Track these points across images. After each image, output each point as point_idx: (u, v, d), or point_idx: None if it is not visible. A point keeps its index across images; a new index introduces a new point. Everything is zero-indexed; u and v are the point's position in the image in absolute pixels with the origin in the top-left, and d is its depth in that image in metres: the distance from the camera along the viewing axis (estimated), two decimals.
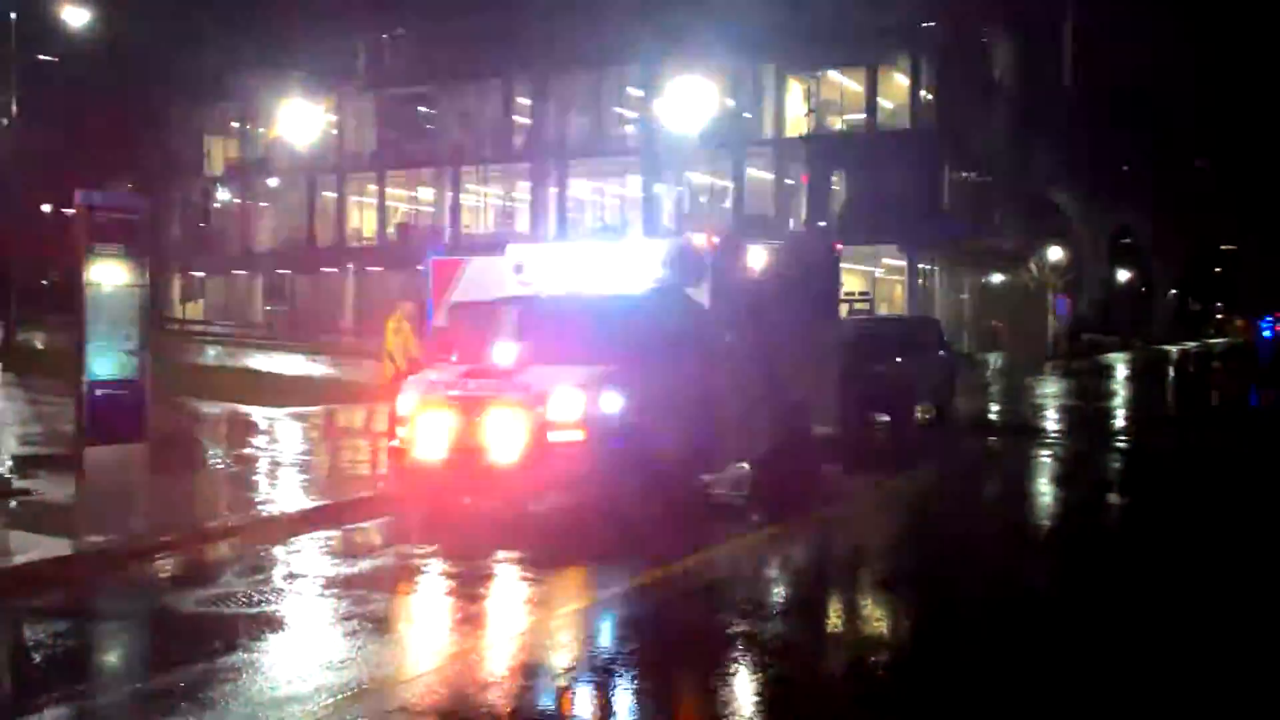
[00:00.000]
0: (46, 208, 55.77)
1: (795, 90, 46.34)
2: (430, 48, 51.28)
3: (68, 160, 48.26)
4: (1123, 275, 71.44)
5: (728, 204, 46.80)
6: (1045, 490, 14.62)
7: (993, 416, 23.74)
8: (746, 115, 45.93)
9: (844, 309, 23.34)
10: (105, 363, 11.15)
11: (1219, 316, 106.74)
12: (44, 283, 51.62)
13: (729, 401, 11.53)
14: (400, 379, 14.67)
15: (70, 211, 11.97)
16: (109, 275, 11.21)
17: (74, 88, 46.79)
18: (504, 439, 9.97)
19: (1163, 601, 8.14)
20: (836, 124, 46.00)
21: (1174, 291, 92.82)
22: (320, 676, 6.28)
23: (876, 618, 8.31)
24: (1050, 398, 28.60)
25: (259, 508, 11.01)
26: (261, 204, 58.82)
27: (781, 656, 6.95)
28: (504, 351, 11.08)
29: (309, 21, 49.58)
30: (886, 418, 18.68)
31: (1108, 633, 7.33)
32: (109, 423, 11.11)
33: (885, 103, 44.85)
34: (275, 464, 14.12)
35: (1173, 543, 10.29)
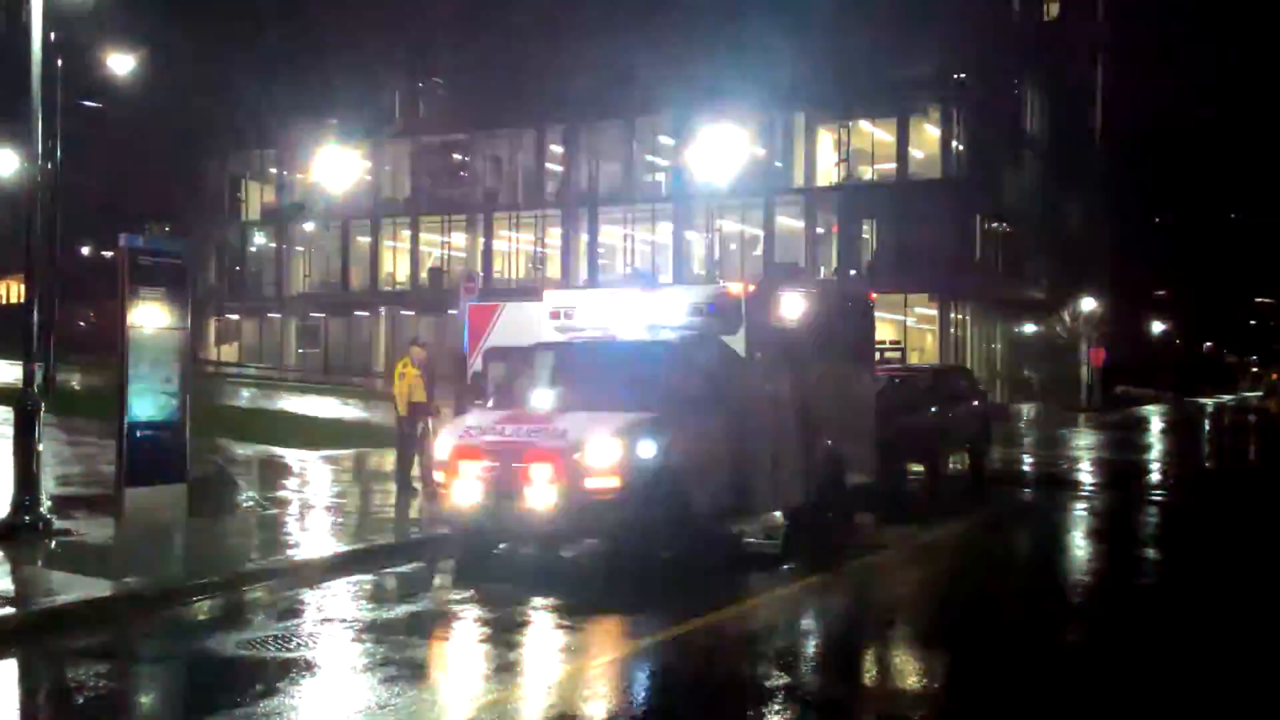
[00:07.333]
0: (85, 250, 56.62)
1: (825, 140, 46.53)
2: (464, 96, 51.93)
3: (106, 203, 49.10)
4: (1157, 327, 70.88)
5: (758, 252, 46.89)
6: (1081, 545, 14.44)
7: (1026, 468, 23.53)
8: (777, 164, 46.14)
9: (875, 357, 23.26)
10: (146, 404, 11.28)
11: (1254, 370, 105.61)
12: (80, 324, 52.21)
13: (764, 450, 11.50)
14: (402, 423, 14.79)
15: (110, 254, 12.17)
16: (151, 318, 11.36)
17: (116, 133, 47.64)
18: (540, 485, 9.98)
19: (1193, 661, 8.02)
20: (867, 173, 46.10)
21: (1209, 344, 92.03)
22: None
23: (914, 673, 8.21)
24: (1084, 450, 28.33)
25: (295, 551, 11.03)
26: (296, 248, 59.49)
27: (822, 711, 6.88)
28: (540, 397, 11.13)
29: (346, 70, 50.42)
30: (920, 468, 18.56)
31: (1142, 693, 7.22)
32: (149, 464, 11.23)
33: (916, 152, 44.94)
34: (310, 507, 14.17)
35: (1206, 603, 10.14)
